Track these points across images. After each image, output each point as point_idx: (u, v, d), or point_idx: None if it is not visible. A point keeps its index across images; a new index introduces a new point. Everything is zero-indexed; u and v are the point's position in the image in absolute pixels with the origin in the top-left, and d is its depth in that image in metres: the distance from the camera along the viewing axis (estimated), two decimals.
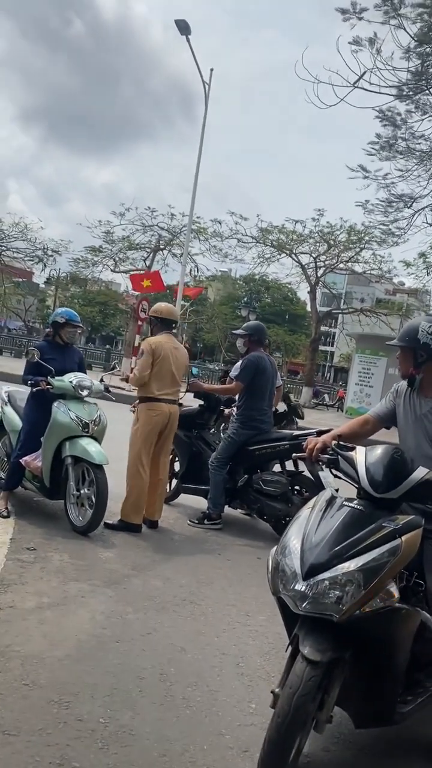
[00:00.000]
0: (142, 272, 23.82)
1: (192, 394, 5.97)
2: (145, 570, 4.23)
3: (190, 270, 26.69)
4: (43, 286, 54.14)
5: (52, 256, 30.00)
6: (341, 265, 26.65)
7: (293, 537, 2.27)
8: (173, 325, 5.46)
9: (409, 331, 2.62)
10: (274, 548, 2.36)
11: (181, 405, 5.41)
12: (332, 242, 24.68)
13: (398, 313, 27.84)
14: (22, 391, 5.47)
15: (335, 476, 2.38)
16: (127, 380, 5.41)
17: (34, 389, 4.90)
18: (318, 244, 25.10)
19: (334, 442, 2.58)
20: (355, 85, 12.46)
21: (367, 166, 15.09)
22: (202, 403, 6.08)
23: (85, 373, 5.16)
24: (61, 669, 2.78)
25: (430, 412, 2.62)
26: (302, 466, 5.61)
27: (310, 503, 2.43)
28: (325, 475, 2.38)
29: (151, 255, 27.63)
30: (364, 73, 12.30)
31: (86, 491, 4.71)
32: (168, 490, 6.04)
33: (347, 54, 12.68)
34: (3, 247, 29.81)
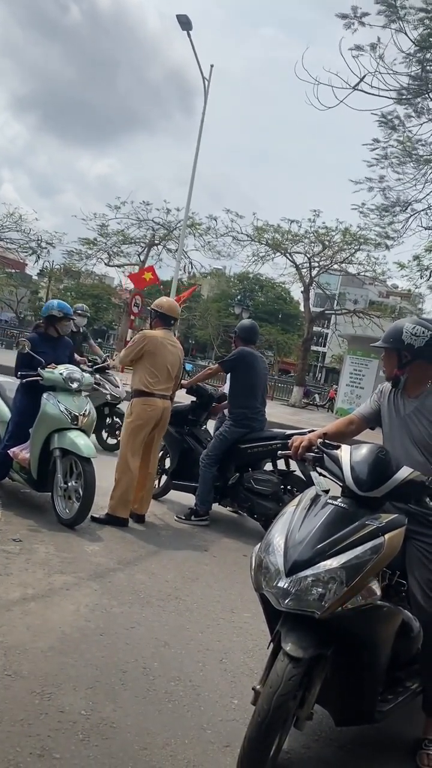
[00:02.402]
0: (136, 270, 23.81)
1: (185, 390, 5.99)
2: (130, 564, 4.24)
3: (185, 266, 26.67)
4: (36, 278, 53.81)
5: (46, 248, 29.90)
6: (335, 266, 26.72)
7: (277, 534, 2.28)
8: (172, 322, 5.47)
9: (393, 333, 2.64)
10: (258, 545, 2.37)
11: (172, 400, 5.42)
12: (327, 243, 24.73)
13: (391, 316, 27.95)
14: (11, 382, 5.46)
15: (320, 474, 2.39)
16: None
17: (24, 380, 4.89)
18: (313, 245, 25.16)
19: (319, 440, 2.59)
20: (356, 88, 12.48)
21: (364, 171, 15.21)
22: (194, 399, 6.08)
23: (77, 365, 5.15)
24: (44, 660, 2.78)
25: (413, 413, 2.64)
26: (294, 466, 5.63)
27: (295, 501, 2.45)
28: (317, 475, 2.38)
29: (145, 250, 27.58)
30: (365, 76, 12.34)
31: (74, 484, 4.71)
32: (157, 486, 6.05)
33: (348, 55, 12.65)
34: None
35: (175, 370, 5.30)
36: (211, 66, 18.78)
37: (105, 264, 29.69)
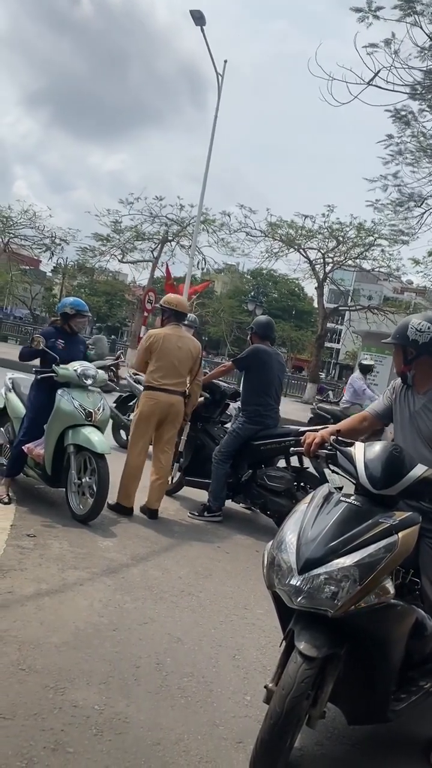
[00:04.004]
0: (149, 266, 23.74)
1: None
2: (144, 560, 4.25)
3: (198, 262, 26.64)
4: (50, 274, 54.10)
5: (59, 244, 30.01)
6: (350, 262, 26.55)
7: (289, 532, 2.28)
8: (183, 318, 5.49)
9: (399, 329, 2.65)
10: (270, 542, 2.36)
11: (185, 395, 5.42)
12: (341, 239, 24.58)
13: (405, 312, 27.72)
14: (26, 378, 5.49)
15: (333, 471, 2.38)
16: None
17: (39, 376, 4.92)
18: (327, 240, 25.00)
19: (332, 437, 2.58)
20: (370, 83, 12.36)
21: (378, 167, 15.14)
22: (207, 395, 6.08)
23: (90, 362, 5.17)
24: (58, 655, 2.80)
25: (422, 409, 2.63)
26: (307, 462, 5.61)
27: (307, 498, 2.44)
28: (330, 472, 2.38)
29: (159, 246, 27.58)
30: (379, 71, 12.21)
31: (87, 480, 4.73)
32: (171, 483, 6.07)
33: (362, 49, 12.51)
34: (11, 234, 29.83)
35: (185, 365, 5.31)
36: (225, 61, 18.64)
37: (119, 260, 29.74)
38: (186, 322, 5.67)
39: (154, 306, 18.78)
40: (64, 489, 4.90)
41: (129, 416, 7.91)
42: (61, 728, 2.31)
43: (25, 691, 2.49)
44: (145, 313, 19.32)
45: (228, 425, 6.24)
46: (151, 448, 5.40)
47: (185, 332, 5.50)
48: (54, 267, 44.98)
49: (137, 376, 7.55)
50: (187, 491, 6.17)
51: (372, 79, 12.34)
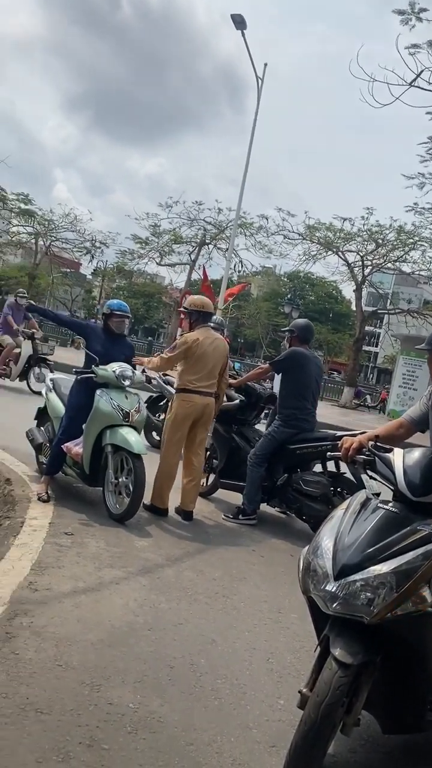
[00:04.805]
0: (187, 269, 23.84)
1: (234, 390, 6.01)
2: (178, 561, 4.28)
3: (235, 265, 26.69)
4: (90, 277, 54.88)
5: (99, 247, 30.44)
6: (389, 265, 26.23)
7: (326, 537, 2.27)
8: (210, 318, 5.53)
9: None
10: (306, 548, 2.35)
11: (217, 398, 5.44)
12: (381, 241, 24.30)
13: None
14: (67, 379, 5.60)
15: (371, 477, 2.35)
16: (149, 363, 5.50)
17: (78, 377, 5.01)
18: (366, 243, 24.76)
19: (370, 442, 2.54)
20: (412, 84, 12.21)
21: (419, 169, 14.90)
22: (242, 398, 6.08)
23: (134, 366, 5.24)
24: (94, 652, 2.84)
25: None
26: (344, 468, 5.56)
27: (344, 504, 2.42)
28: (368, 478, 2.35)
29: (196, 249, 27.72)
30: (421, 72, 12.05)
31: (124, 480, 4.79)
32: (205, 485, 6.09)
33: (404, 51, 12.31)
34: (52, 237, 30.38)
35: (218, 367, 5.35)
36: (265, 65, 18.67)
37: (156, 263, 30.03)
38: (212, 324, 5.69)
39: (185, 307, 18.88)
40: (101, 488, 4.97)
41: (159, 416, 7.98)
42: (97, 725, 2.34)
43: (62, 687, 2.54)
44: (182, 315, 19.43)
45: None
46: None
47: (214, 333, 5.53)
48: (94, 270, 45.64)
49: (167, 377, 7.61)
50: (221, 493, 6.19)
51: (414, 80, 12.18)
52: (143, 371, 5.51)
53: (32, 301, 5.35)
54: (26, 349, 10.48)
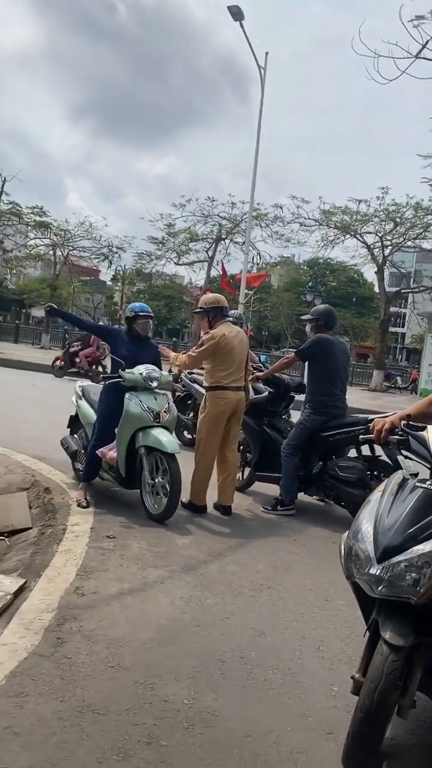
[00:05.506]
0: (205, 266, 23.84)
1: (261, 382, 6.01)
2: (221, 556, 4.29)
3: (253, 258, 26.61)
4: (110, 283, 55.31)
5: (116, 252, 30.64)
6: (409, 243, 25.84)
7: (365, 521, 2.25)
8: (226, 311, 5.54)
9: None
10: (346, 533, 2.34)
11: (247, 391, 5.45)
12: (398, 220, 23.96)
13: None
14: (96, 386, 5.67)
15: (406, 457, 2.32)
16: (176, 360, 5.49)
17: (107, 382, 5.06)
18: (383, 223, 24.44)
19: (402, 422, 2.48)
20: (418, 56, 11.97)
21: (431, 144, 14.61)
22: (271, 390, 6.07)
23: (160, 367, 5.27)
24: (145, 652, 2.87)
25: None
26: (379, 451, 5.51)
27: (381, 486, 2.39)
28: (403, 458, 2.31)
29: (213, 245, 27.71)
30: (427, 42, 11.78)
31: (160, 480, 4.82)
32: (241, 479, 6.10)
33: (408, 23, 12.06)
34: (70, 247, 30.67)
35: (244, 361, 5.37)
36: (266, 53, 18.55)
37: (174, 263, 30.11)
38: (231, 319, 5.69)
39: (200, 307, 18.93)
40: (138, 490, 5.02)
41: (188, 415, 8.00)
42: (153, 722, 2.37)
43: (116, 687, 2.57)
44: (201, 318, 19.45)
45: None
46: None
47: (235, 326, 5.53)
48: (113, 275, 45.98)
49: (193, 375, 7.62)
50: (258, 486, 6.19)
51: (420, 52, 11.93)
52: (170, 371, 5.54)
53: (53, 304, 5.36)
54: None
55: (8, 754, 2.09)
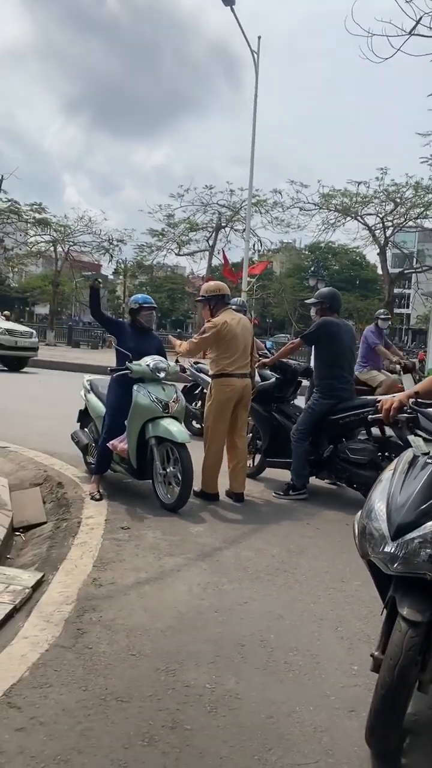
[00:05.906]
0: (206, 255, 23.77)
1: (268, 368, 6.00)
2: (235, 542, 4.31)
3: (254, 244, 26.52)
4: (112, 276, 55.25)
5: (117, 246, 30.61)
6: (410, 223, 25.69)
7: (377, 500, 2.25)
8: (228, 299, 5.55)
9: None
10: (359, 513, 2.35)
11: (253, 377, 5.46)
12: (399, 200, 23.81)
13: None
14: (104, 379, 5.68)
15: (416, 435, 2.31)
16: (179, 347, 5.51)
17: (114, 375, 5.08)
18: (384, 204, 24.31)
19: (411, 399, 2.47)
20: (412, 33, 11.82)
21: (429, 122, 14.46)
22: (278, 376, 6.06)
23: (165, 358, 5.27)
24: (165, 639, 2.90)
25: None
26: (389, 432, 5.51)
27: (391, 465, 2.40)
28: (414, 437, 2.30)
29: (213, 234, 27.62)
30: (420, 18, 11.61)
31: (172, 469, 4.84)
32: (252, 466, 6.11)
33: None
34: (70, 243, 30.67)
35: (249, 346, 5.37)
36: (258, 37, 18.38)
37: (175, 254, 30.07)
38: (234, 306, 5.68)
39: (202, 295, 18.94)
40: (150, 480, 5.04)
41: (195, 405, 8.02)
42: (177, 707, 2.39)
43: (138, 675, 2.60)
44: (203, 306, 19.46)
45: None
46: None
47: (237, 313, 5.53)
48: (115, 269, 45.94)
49: (198, 365, 7.62)
50: (270, 472, 6.20)
51: (414, 28, 11.77)
52: (176, 361, 5.55)
53: (100, 281, 5.15)
54: (408, 382, 7.46)
55: (35, 743, 2.12)
